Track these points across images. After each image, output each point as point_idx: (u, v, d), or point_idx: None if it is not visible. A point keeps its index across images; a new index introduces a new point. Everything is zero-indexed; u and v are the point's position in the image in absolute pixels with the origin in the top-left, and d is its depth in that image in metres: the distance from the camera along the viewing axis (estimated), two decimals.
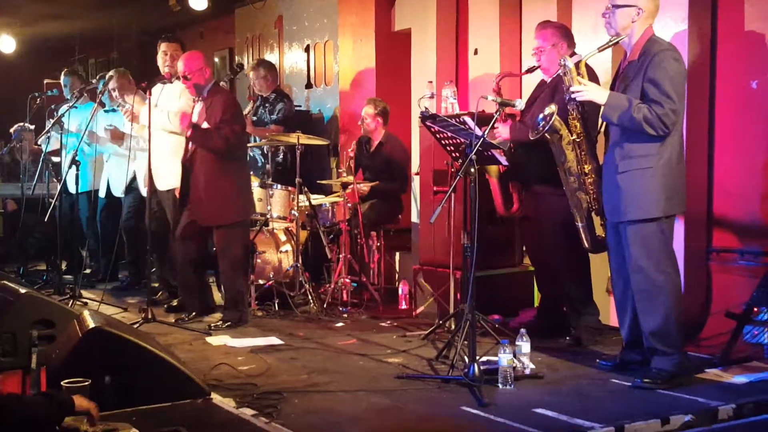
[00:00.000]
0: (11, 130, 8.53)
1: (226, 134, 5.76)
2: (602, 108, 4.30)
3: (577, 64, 4.41)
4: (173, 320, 6.04)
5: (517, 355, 4.45)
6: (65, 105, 7.43)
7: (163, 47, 6.68)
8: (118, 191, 7.58)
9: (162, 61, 6.63)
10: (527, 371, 4.46)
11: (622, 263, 4.43)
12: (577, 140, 4.62)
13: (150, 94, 6.09)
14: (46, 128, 7.45)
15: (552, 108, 4.59)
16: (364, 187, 6.85)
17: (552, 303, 5.45)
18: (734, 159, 5.24)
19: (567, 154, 4.65)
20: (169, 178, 6.35)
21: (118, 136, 7.33)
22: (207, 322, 5.97)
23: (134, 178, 7.25)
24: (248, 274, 6.25)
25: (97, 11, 10.72)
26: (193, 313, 6.10)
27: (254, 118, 7.80)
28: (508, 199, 5.54)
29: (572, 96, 4.41)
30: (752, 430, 3.86)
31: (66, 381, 3.38)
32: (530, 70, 5.37)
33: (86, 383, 3.38)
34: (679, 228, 5.02)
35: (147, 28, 11.49)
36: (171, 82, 6.36)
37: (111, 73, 7.32)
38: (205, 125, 5.87)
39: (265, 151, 7.40)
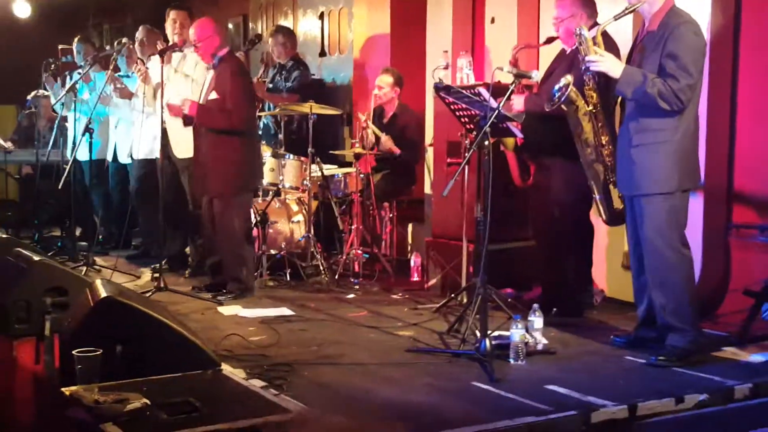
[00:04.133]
0: (29, 97, 8.53)
1: (230, 115, 5.73)
2: (617, 82, 4.24)
3: (593, 32, 4.34)
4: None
5: (529, 330, 4.42)
6: (79, 71, 7.41)
7: (172, 15, 6.65)
8: (125, 157, 7.57)
9: (171, 29, 6.59)
10: (539, 347, 4.43)
11: (639, 238, 4.38)
12: (594, 111, 4.57)
13: (164, 61, 6.04)
14: (60, 95, 7.43)
15: (568, 79, 4.53)
16: (388, 143, 6.78)
17: (555, 278, 5.39)
18: (756, 133, 5.15)
19: (584, 126, 4.60)
20: (187, 146, 6.33)
21: (126, 95, 7.29)
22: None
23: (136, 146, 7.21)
24: (249, 245, 6.13)
25: None
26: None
27: (270, 85, 7.75)
28: (525, 171, 5.49)
29: (588, 65, 4.33)
30: None
31: (77, 350, 3.39)
32: (549, 41, 5.29)
33: (98, 353, 3.39)
34: (698, 203, 4.96)
35: None
36: (181, 50, 6.32)
37: (125, 39, 7.27)
38: (213, 95, 5.81)
39: (279, 120, 7.36)
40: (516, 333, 4.24)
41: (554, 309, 5.15)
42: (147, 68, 6.72)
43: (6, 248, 4.40)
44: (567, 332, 4.87)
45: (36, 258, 4.14)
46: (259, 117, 7.33)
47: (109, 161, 7.85)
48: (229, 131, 5.77)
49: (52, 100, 7.93)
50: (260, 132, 7.54)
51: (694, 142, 4.27)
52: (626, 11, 4.30)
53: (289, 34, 8.00)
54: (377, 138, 6.92)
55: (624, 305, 5.43)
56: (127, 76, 7.52)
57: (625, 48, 4.93)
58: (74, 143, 7.08)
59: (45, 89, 8.17)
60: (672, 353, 4.22)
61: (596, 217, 4.97)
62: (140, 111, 6.85)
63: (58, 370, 3.55)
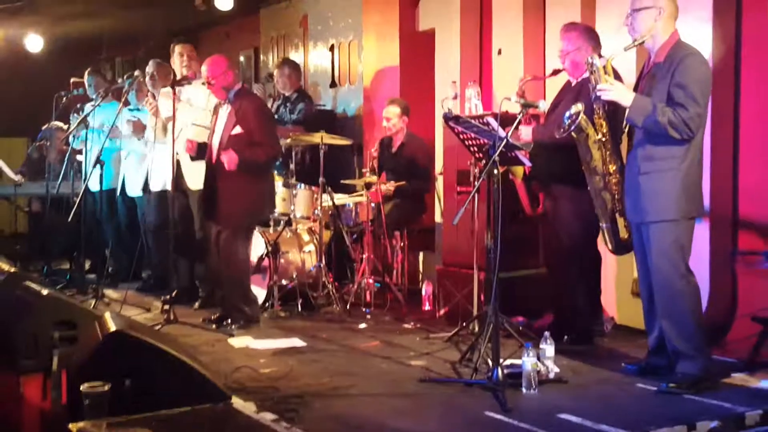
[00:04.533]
0: (42, 128, 8.59)
1: (265, 147, 5.83)
2: (627, 110, 4.26)
3: (604, 60, 4.37)
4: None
5: (541, 359, 4.40)
6: (90, 104, 7.47)
7: (178, 49, 6.73)
8: (134, 191, 7.59)
9: (179, 63, 6.67)
10: (551, 375, 4.41)
11: (647, 266, 4.38)
12: (603, 139, 4.58)
13: (175, 94, 6.11)
14: (72, 127, 7.49)
15: (578, 107, 4.54)
16: (390, 186, 6.82)
17: (566, 306, 5.37)
18: (759, 160, 5.17)
19: (593, 153, 4.61)
20: (201, 177, 6.37)
21: (140, 128, 7.34)
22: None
23: (147, 178, 7.22)
24: (249, 276, 6.17)
25: (124, 10, 10.75)
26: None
27: (275, 117, 7.80)
28: (534, 200, 5.50)
29: (598, 94, 4.36)
30: None
31: (85, 385, 3.37)
32: (555, 73, 5.31)
33: (106, 387, 3.38)
34: (704, 230, 4.96)
35: (173, 28, 11.51)
36: (190, 83, 6.37)
37: (137, 72, 7.34)
38: (237, 129, 5.84)
39: (283, 151, 7.40)
40: (528, 361, 4.22)
41: (565, 337, 5.14)
42: (157, 102, 6.78)
43: (14, 282, 4.39)
44: (578, 360, 4.85)
45: (44, 292, 4.14)
46: None
47: (119, 195, 7.87)
48: (258, 164, 5.82)
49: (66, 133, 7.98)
50: None
51: (700, 170, 4.31)
52: (635, 44, 4.38)
53: (294, 67, 8.10)
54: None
55: (634, 332, 5.41)
56: (138, 110, 7.57)
57: (629, 78, 4.96)
58: (85, 175, 7.12)
59: (58, 121, 8.23)
60: (683, 380, 4.20)
61: (603, 245, 4.95)
62: (152, 144, 6.89)
63: (66, 405, 3.53)
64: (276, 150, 6.00)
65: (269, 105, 7.79)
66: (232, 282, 5.96)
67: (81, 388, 3.31)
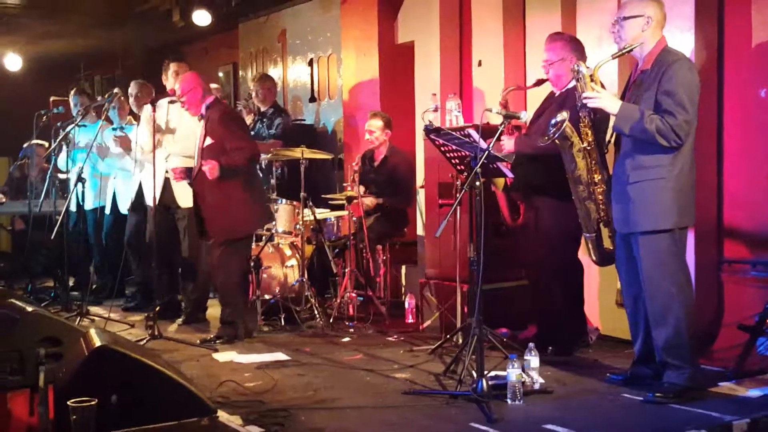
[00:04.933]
0: (24, 146, 8.56)
1: (235, 153, 5.79)
2: (614, 119, 4.27)
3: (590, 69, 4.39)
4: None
5: (525, 370, 4.41)
6: (72, 123, 7.45)
7: (173, 67, 6.77)
8: (124, 208, 7.58)
9: (174, 81, 6.67)
10: (536, 386, 4.42)
11: (634, 276, 4.38)
12: (588, 148, 4.56)
13: (154, 110, 6.10)
14: (53, 145, 7.46)
15: (564, 115, 4.53)
16: (368, 201, 6.83)
17: (549, 317, 5.38)
18: (744, 169, 5.21)
19: (578, 162, 4.60)
20: (189, 194, 6.39)
21: (126, 144, 7.32)
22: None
23: (140, 194, 7.16)
24: (246, 290, 6.19)
25: (102, 29, 10.76)
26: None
27: (251, 133, 7.80)
28: (515, 211, 5.52)
29: (584, 102, 4.36)
30: None
31: (72, 400, 3.36)
32: (538, 83, 5.34)
33: (93, 402, 3.37)
34: (689, 239, 4.97)
35: (151, 45, 11.52)
36: (173, 101, 6.37)
37: (116, 90, 7.32)
38: (209, 141, 5.86)
39: (263, 166, 7.40)
40: (512, 372, 4.22)
41: (549, 348, 5.15)
42: (125, 134, 6.78)
43: None
44: (563, 371, 4.86)
45: (29, 308, 4.13)
46: None
47: (107, 212, 7.84)
48: (225, 174, 5.78)
49: (47, 150, 7.95)
50: None
51: (691, 178, 4.28)
52: (624, 51, 4.34)
53: (274, 82, 8.16)
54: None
55: (619, 343, 5.43)
56: (121, 128, 7.56)
57: (611, 87, 5.00)
58: (68, 193, 7.09)
59: (38, 139, 8.20)
60: (669, 390, 4.20)
61: (587, 256, 4.97)
62: (140, 162, 6.87)
63: (53, 421, 3.52)
64: (252, 150, 5.93)
65: (249, 121, 7.78)
66: (227, 294, 5.97)
67: (68, 404, 3.30)
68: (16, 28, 10.40)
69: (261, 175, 7.40)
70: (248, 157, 5.89)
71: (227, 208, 5.84)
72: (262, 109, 7.97)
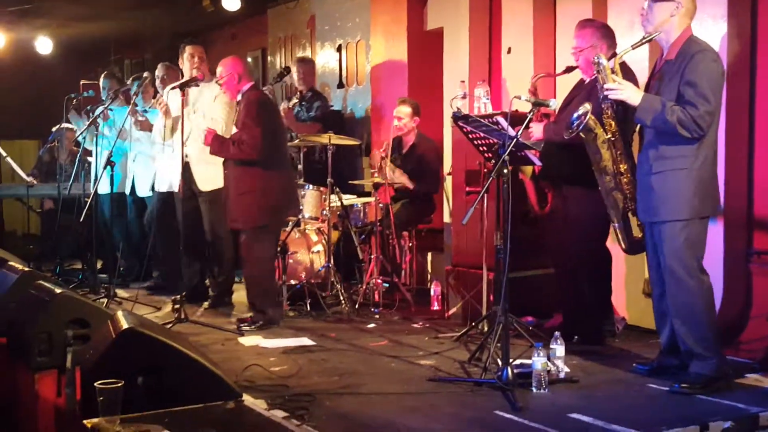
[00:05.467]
0: (53, 129, 8.64)
1: (239, 143, 5.76)
2: (636, 110, 4.24)
3: (611, 62, 4.36)
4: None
5: (551, 359, 4.40)
6: (101, 106, 7.50)
7: (188, 50, 6.74)
8: (144, 191, 7.63)
9: (189, 64, 6.68)
10: (562, 375, 4.41)
11: (659, 266, 4.36)
12: (612, 139, 4.57)
13: (184, 95, 6.12)
14: (82, 129, 7.52)
15: (586, 107, 4.53)
16: (398, 174, 6.81)
17: (576, 306, 5.35)
18: None
19: (602, 153, 4.59)
20: (213, 179, 6.39)
21: (146, 127, 7.36)
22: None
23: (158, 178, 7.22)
24: (273, 277, 6.19)
25: (131, 12, 10.81)
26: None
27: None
28: (543, 199, 5.50)
29: (606, 94, 4.35)
30: None
31: (99, 382, 3.39)
32: (568, 70, 5.31)
33: (119, 384, 3.39)
34: (718, 230, 4.94)
35: (180, 29, 11.55)
36: (197, 85, 6.37)
37: (145, 74, 7.36)
38: (234, 130, 5.92)
39: (300, 150, 7.41)
40: (538, 361, 4.21)
41: (575, 337, 5.13)
42: (167, 102, 6.79)
43: (28, 281, 4.42)
44: (589, 360, 4.84)
45: (57, 290, 4.16)
46: None
47: (128, 194, 7.90)
48: (245, 162, 5.80)
49: (76, 133, 8.01)
50: None
51: (713, 169, 4.27)
52: (644, 40, 4.33)
53: (312, 64, 8.27)
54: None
55: (645, 332, 5.40)
56: (145, 111, 7.59)
57: (642, 76, 4.94)
58: (96, 176, 7.15)
59: (69, 122, 8.27)
60: (695, 380, 4.18)
61: (615, 245, 4.94)
62: (160, 144, 6.92)
63: (80, 402, 3.55)
64: (246, 154, 5.75)
65: (285, 105, 7.75)
66: (252, 283, 5.99)
67: (95, 385, 3.32)
68: (47, 12, 10.47)
69: (298, 162, 7.37)
70: (239, 158, 5.80)
71: (242, 197, 5.86)
72: (303, 91, 7.98)
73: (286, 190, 6.09)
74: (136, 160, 7.77)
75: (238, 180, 5.89)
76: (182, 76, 6.74)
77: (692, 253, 4.23)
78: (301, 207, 6.71)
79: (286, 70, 7.43)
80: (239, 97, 5.99)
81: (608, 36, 5.13)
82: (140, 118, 7.35)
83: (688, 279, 4.21)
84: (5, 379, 4.10)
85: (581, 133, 4.56)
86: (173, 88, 6.37)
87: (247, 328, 5.80)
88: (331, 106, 8.59)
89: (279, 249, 6.41)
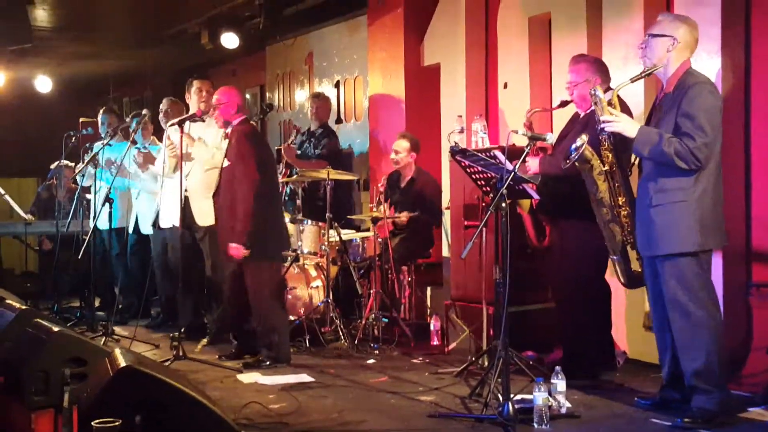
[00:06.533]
0: (51, 167, 8.65)
1: (241, 183, 5.69)
2: (633, 142, 4.25)
3: (608, 94, 4.38)
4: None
5: (552, 394, 4.36)
6: (100, 143, 7.51)
7: (196, 84, 6.76)
8: (147, 228, 7.62)
9: (197, 98, 6.70)
10: (563, 410, 4.38)
11: (661, 299, 4.34)
12: (609, 171, 4.56)
13: (182, 131, 6.12)
14: (81, 166, 7.53)
15: (583, 138, 4.55)
16: (403, 217, 6.82)
17: (576, 340, 5.32)
18: None
19: (599, 185, 4.60)
20: (209, 214, 6.41)
21: (149, 160, 7.36)
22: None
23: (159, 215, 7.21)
24: (283, 312, 6.08)
25: (131, 50, 10.90)
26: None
27: (298, 152, 7.83)
28: (541, 232, 5.49)
29: (602, 126, 4.37)
30: None
31: (97, 421, 3.36)
32: (563, 104, 5.33)
33: (117, 423, 3.36)
34: (717, 262, 4.92)
35: (180, 67, 11.64)
36: (203, 120, 6.36)
37: (144, 111, 7.38)
38: (225, 163, 5.87)
39: (304, 186, 7.43)
40: (539, 396, 4.18)
41: (576, 371, 5.09)
42: (149, 151, 6.81)
43: (25, 319, 4.40)
44: (590, 395, 4.81)
45: (55, 328, 4.14)
46: (286, 183, 7.41)
47: (130, 232, 7.88)
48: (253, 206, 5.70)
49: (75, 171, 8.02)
50: (287, 198, 7.60)
51: (716, 201, 4.25)
52: (643, 74, 4.37)
53: (326, 100, 8.27)
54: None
55: (646, 366, 5.37)
56: (144, 147, 7.60)
57: (636, 110, 4.96)
58: (95, 213, 7.14)
59: (68, 160, 8.29)
60: (698, 415, 4.16)
61: (614, 278, 4.93)
62: (161, 181, 6.91)
63: None
64: (252, 182, 5.68)
65: (293, 138, 7.77)
66: (257, 319, 5.86)
67: (92, 424, 3.30)
68: (46, 50, 10.55)
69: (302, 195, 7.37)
70: (253, 192, 5.67)
71: (231, 231, 5.78)
72: (312, 128, 8.02)
73: (277, 227, 5.99)
74: (139, 197, 7.77)
75: (227, 214, 5.84)
76: (187, 110, 6.77)
77: (700, 285, 4.20)
78: (299, 242, 6.68)
79: (269, 106, 7.47)
80: (228, 129, 5.97)
81: (602, 70, 5.17)
82: (142, 151, 7.36)
83: (695, 312, 4.18)
84: (1, 419, 4.06)
85: (577, 164, 4.57)
86: (172, 124, 6.39)
87: (262, 366, 5.71)
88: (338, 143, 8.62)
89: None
